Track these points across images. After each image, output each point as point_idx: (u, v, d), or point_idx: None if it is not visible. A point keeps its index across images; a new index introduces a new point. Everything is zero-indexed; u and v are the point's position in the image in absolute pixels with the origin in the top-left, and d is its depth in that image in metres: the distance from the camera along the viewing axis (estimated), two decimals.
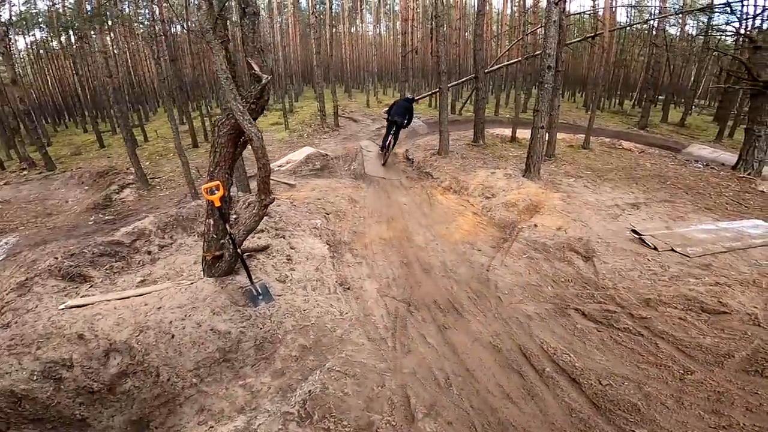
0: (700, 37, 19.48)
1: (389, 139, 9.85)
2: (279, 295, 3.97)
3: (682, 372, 3.16)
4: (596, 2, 19.68)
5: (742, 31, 10.75)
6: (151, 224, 5.24)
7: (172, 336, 3.18)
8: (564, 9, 9.37)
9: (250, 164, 9.34)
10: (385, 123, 10.21)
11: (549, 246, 5.32)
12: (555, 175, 8.26)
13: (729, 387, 2.97)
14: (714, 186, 8.20)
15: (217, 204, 3.54)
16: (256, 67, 3.44)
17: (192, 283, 3.87)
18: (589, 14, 18.98)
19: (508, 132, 12.10)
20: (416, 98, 12.04)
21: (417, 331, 3.98)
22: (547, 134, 9.00)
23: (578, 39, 16.89)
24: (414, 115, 11.00)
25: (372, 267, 5.19)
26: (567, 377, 3.24)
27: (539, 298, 4.36)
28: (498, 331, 3.90)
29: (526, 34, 16.13)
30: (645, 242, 5.27)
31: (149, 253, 4.90)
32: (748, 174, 9.16)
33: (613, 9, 16.81)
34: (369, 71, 31.97)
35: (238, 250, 3.79)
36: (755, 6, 13.01)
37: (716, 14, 17.58)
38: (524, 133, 9.81)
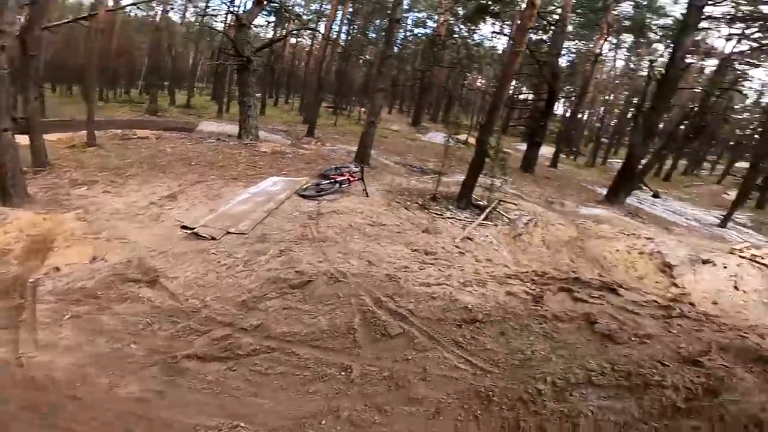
0: (198, 20, 20.81)
1: None
2: None
3: (335, 394, 2.81)
4: None
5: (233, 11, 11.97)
6: None
7: None
8: None
9: None
10: None
11: (94, 288, 3.74)
12: (58, 189, 6.07)
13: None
14: (230, 157, 9.03)
15: None
16: None
17: None
18: None
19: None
20: None
21: None
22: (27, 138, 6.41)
23: (66, 21, 13.16)
24: None
25: None
26: None
27: (126, 368, 2.91)
28: None
29: None
30: (200, 235, 4.80)
31: None
32: (251, 140, 10.85)
33: None
34: None
35: None
36: None
37: None
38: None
